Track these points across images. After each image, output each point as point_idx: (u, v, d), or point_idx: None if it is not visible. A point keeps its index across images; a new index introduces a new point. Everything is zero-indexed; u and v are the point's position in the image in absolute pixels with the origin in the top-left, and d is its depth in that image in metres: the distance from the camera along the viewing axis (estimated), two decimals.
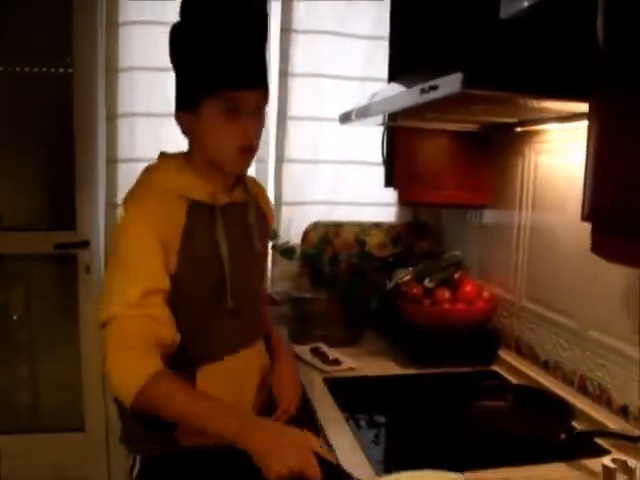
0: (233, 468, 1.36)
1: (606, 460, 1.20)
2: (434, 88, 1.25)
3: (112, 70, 2.51)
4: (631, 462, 1.16)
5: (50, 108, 2.81)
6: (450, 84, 1.17)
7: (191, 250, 1.45)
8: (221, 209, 1.52)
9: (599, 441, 1.50)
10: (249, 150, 1.49)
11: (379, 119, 2.06)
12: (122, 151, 2.55)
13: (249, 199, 1.64)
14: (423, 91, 1.30)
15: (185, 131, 1.52)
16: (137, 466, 1.54)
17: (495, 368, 2.08)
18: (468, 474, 1.36)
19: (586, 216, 1.09)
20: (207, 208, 1.50)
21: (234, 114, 1.43)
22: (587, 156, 1.08)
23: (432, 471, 1.29)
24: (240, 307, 1.54)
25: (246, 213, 1.62)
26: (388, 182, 2.42)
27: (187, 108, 1.47)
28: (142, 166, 1.56)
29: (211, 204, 1.50)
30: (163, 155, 1.57)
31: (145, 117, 2.54)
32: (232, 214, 1.55)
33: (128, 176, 1.47)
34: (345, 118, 2.05)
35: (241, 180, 1.62)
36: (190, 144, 1.55)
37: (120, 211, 1.58)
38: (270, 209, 1.83)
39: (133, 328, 1.33)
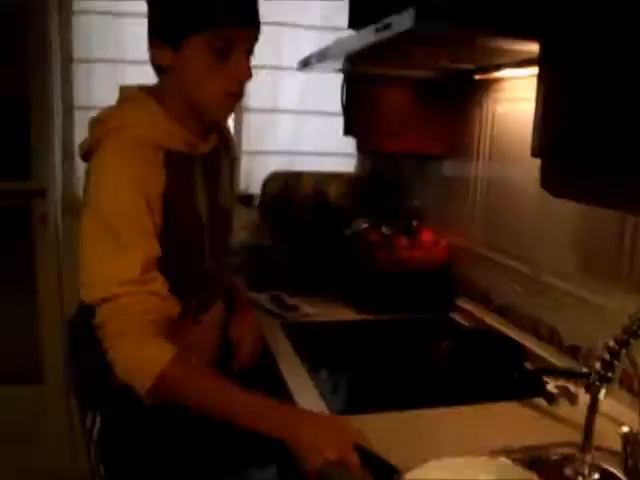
0: (202, 429, 1.31)
1: (549, 386, 1.25)
2: (388, 26, 1.24)
3: (65, 11, 2.43)
4: (572, 388, 1.21)
5: (2, 51, 2.72)
6: (404, 20, 1.17)
7: (173, 208, 1.30)
8: (198, 159, 1.39)
9: (549, 380, 1.53)
10: (237, 96, 1.34)
11: (338, 64, 2.04)
12: (79, 98, 2.50)
13: (221, 147, 1.52)
14: (378, 30, 1.30)
15: (160, 68, 1.33)
16: (97, 425, 1.40)
17: (452, 315, 2.11)
18: (423, 411, 1.40)
19: (536, 152, 1.10)
20: (184, 159, 1.35)
21: (223, 54, 1.26)
22: (537, 93, 1.10)
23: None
24: (216, 266, 1.48)
25: (220, 163, 1.51)
26: (347, 130, 2.41)
27: (166, 40, 1.27)
28: None
29: (188, 154, 1.36)
30: (126, 93, 1.37)
31: (102, 63, 2.49)
32: (207, 164, 1.43)
33: (86, 124, 1.36)
34: (304, 64, 2.03)
35: (214, 126, 1.47)
36: (163, 82, 1.35)
37: (80, 162, 1.38)
38: (236, 157, 1.76)
39: (137, 308, 1.19)
